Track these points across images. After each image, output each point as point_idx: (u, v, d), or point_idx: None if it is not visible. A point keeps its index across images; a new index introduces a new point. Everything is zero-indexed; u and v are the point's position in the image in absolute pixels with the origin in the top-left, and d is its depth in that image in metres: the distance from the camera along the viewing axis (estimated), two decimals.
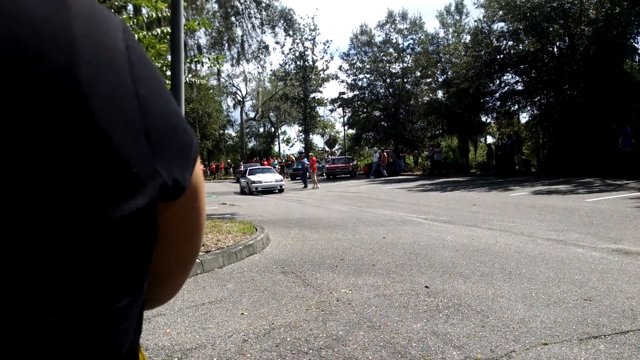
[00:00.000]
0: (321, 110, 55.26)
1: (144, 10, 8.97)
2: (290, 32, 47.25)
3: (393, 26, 40.14)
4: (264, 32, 51.60)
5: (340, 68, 43.02)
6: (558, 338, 3.37)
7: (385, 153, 32.71)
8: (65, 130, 0.37)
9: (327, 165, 34.97)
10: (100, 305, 0.42)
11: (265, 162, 40.04)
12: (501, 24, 25.64)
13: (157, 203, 0.46)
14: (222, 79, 57.28)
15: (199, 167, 0.52)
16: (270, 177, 24.27)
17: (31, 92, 0.36)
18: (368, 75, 40.68)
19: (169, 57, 7.26)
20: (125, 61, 0.43)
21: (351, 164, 35.75)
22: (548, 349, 3.20)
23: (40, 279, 0.38)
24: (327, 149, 49.35)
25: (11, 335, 0.37)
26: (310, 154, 35.93)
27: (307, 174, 27.09)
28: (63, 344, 0.40)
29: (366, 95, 40.57)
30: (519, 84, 26.83)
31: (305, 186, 26.08)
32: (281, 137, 69.06)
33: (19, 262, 0.37)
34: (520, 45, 25.47)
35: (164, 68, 8.40)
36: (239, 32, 44.81)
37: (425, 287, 4.80)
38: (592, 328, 3.52)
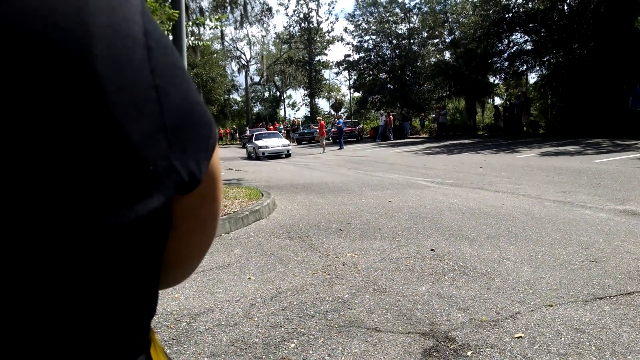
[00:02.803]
0: (326, 74, 54.70)
1: None
2: None
3: None
4: None
5: (345, 30, 42.51)
6: (563, 299, 3.39)
7: (391, 116, 32.45)
8: (82, 127, 0.35)
9: (332, 129, 34.91)
10: (109, 306, 0.42)
11: (271, 127, 39.85)
12: None
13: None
14: (225, 43, 56.64)
15: (216, 156, 0.50)
16: (277, 142, 24.09)
17: (46, 87, 0.34)
18: (374, 37, 40.05)
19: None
20: (144, 50, 0.40)
21: (357, 127, 35.56)
22: (553, 310, 3.22)
23: (45, 279, 0.36)
24: (333, 112, 49.03)
25: (13, 341, 0.37)
26: (318, 118, 35.72)
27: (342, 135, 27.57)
28: (69, 341, 0.40)
29: (372, 57, 40.01)
30: (527, 43, 26.31)
31: (341, 147, 26.37)
32: (286, 101, 68.62)
33: (21, 265, 0.35)
34: (530, 3, 24.84)
35: (166, 32, 8.27)
36: None
37: (431, 250, 4.82)
38: (597, 289, 3.54)
